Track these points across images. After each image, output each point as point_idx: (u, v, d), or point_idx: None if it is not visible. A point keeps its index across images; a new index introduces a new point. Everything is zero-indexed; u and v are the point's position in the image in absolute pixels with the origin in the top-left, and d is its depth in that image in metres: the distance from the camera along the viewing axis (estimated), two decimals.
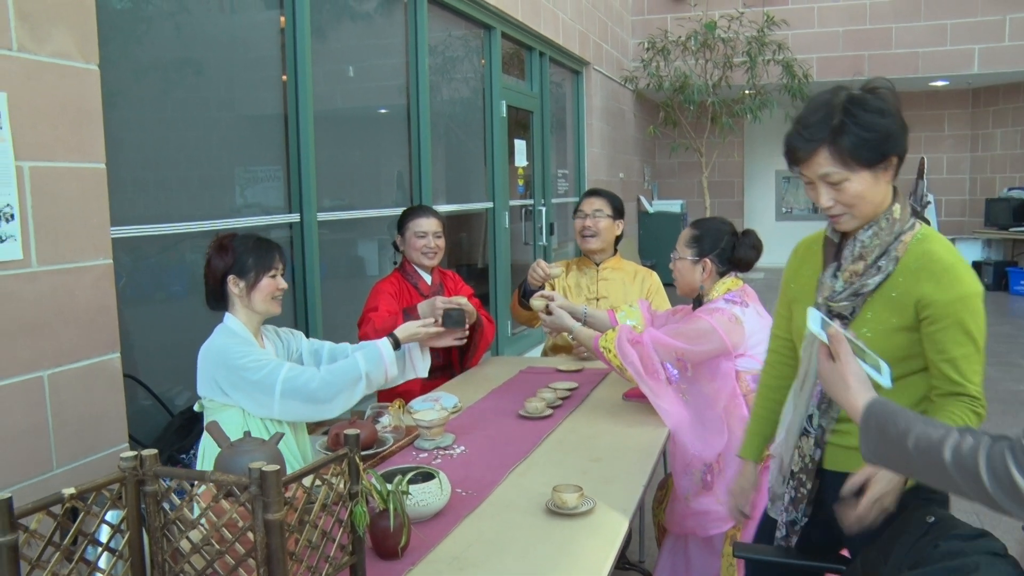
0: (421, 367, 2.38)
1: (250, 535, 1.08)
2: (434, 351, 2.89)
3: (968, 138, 10.77)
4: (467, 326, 2.49)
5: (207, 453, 2.19)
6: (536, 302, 2.62)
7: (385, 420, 2.02)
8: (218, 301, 2.23)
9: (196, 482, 1.16)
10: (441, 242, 2.99)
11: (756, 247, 2.45)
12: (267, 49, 3.62)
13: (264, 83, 3.64)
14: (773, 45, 8.53)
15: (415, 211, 3.02)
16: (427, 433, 1.99)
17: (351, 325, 4.35)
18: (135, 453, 1.16)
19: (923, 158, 10.50)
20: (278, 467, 1.05)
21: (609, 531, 1.54)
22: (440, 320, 2.43)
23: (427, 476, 1.59)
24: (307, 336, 3.61)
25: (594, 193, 3.24)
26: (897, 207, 1.62)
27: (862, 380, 1.13)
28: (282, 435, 1.36)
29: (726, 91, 8.81)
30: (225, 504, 1.12)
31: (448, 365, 3.03)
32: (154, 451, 1.17)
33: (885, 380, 1.16)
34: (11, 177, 2.12)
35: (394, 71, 4.76)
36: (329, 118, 3.82)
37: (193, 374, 2.20)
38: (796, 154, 1.64)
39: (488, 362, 3.11)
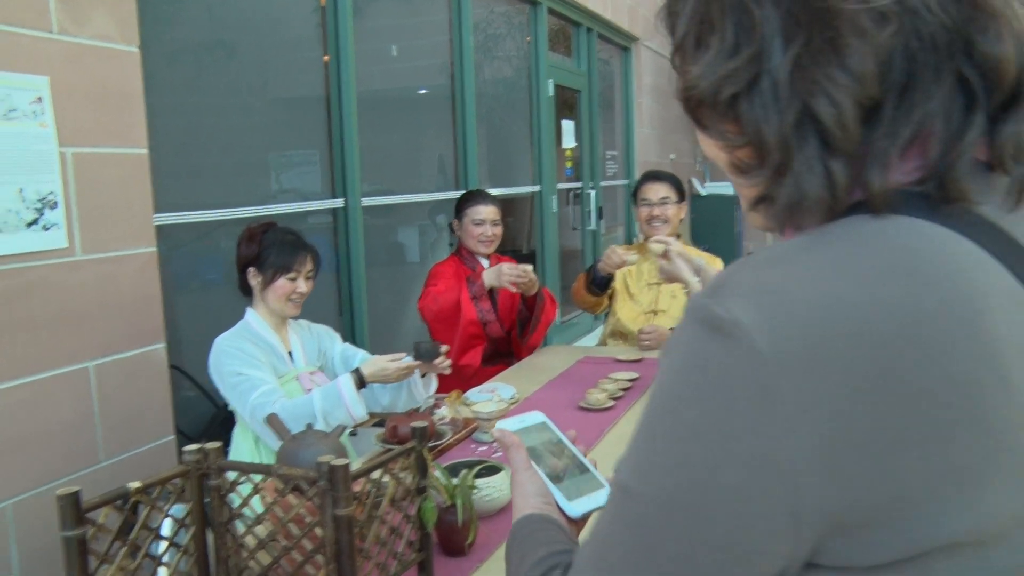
0: (420, 395, 2.19)
1: (318, 530, 1.02)
2: (499, 322, 2.82)
3: None
4: (438, 360, 2.12)
5: (238, 446, 2.14)
6: (655, 246, 2.45)
7: (442, 412, 1.94)
8: (243, 289, 2.20)
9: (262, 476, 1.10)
10: (498, 230, 2.92)
11: None
12: (307, 29, 3.54)
13: (305, 65, 3.56)
14: None
15: (473, 196, 2.95)
16: (485, 426, 1.91)
17: (395, 312, 4.29)
18: (199, 446, 1.11)
19: None
20: (347, 461, 0.99)
21: None
22: (414, 354, 2.15)
23: (491, 470, 1.51)
24: (352, 325, 3.59)
25: (655, 178, 3.11)
26: None
27: (526, 496, 0.82)
28: (345, 427, 1.29)
29: None
30: (292, 499, 1.05)
31: (507, 351, 2.94)
32: (218, 444, 1.11)
33: (572, 510, 0.84)
34: (55, 164, 2.07)
35: (437, 50, 4.65)
36: (370, 100, 3.73)
37: None
38: None
39: (543, 351, 3.01)
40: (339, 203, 3.54)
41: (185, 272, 2.95)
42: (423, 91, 4.66)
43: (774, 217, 0.58)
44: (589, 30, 6.82)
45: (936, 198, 0.54)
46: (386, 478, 1.13)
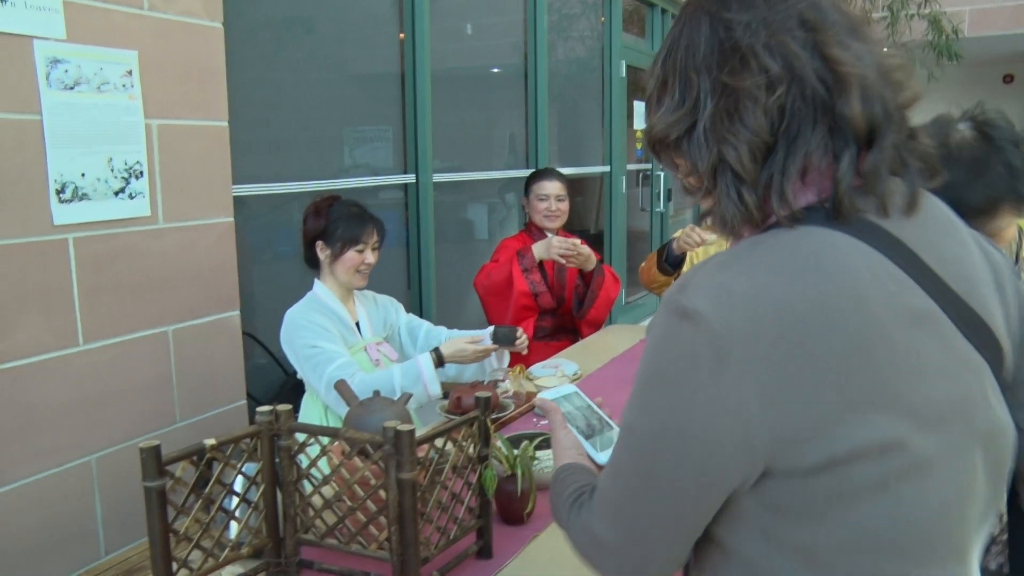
0: (492, 368, 2.22)
1: (382, 493, 1.05)
2: (551, 293, 2.84)
3: None
4: (518, 342, 2.16)
5: (307, 414, 2.20)
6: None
7: (505, 385, 1.96)
8: (312, 263, 2.25)
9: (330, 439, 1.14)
10: (564, 205, 2.93)
11: None
12: (384, 6, 3.58)
13: (381, 41, 3.61)
14: None
15: (539, 174, 2.99)
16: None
17: (462, 287, 4.34)
18: (271, 408, 1.15)
19: None
20: (412, 427, 1.01)
21: None
22: (493, 339, 2.20)
23: (550, 442, 1.53)
24: (420, 299, 3.65)
25: None
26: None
27: (565, 450, 1.06)
28: (410, 395, 1.33)
29: (846, 16, 8.18)
30: (358, 461, 1.09)
31: (564, 327, 2.96)
32: (288, 406, 1.16)
33: (601, 459, 1.08)
34: (141, 135, 2.16)
35: (510, 29, 4.65)
36: (444, 78, 3.76)
37: None
38: None
39: (607, 330, 3.01)
40: (410, 179, 3.59)
41: (258, 243, 3.04)
42: (496, 69, 4.67)
43: (716, 228, 0.80)
44: (664, 11, 6.70)
45: (833, 211, 0.75)
46: (449, 446, 1.16)
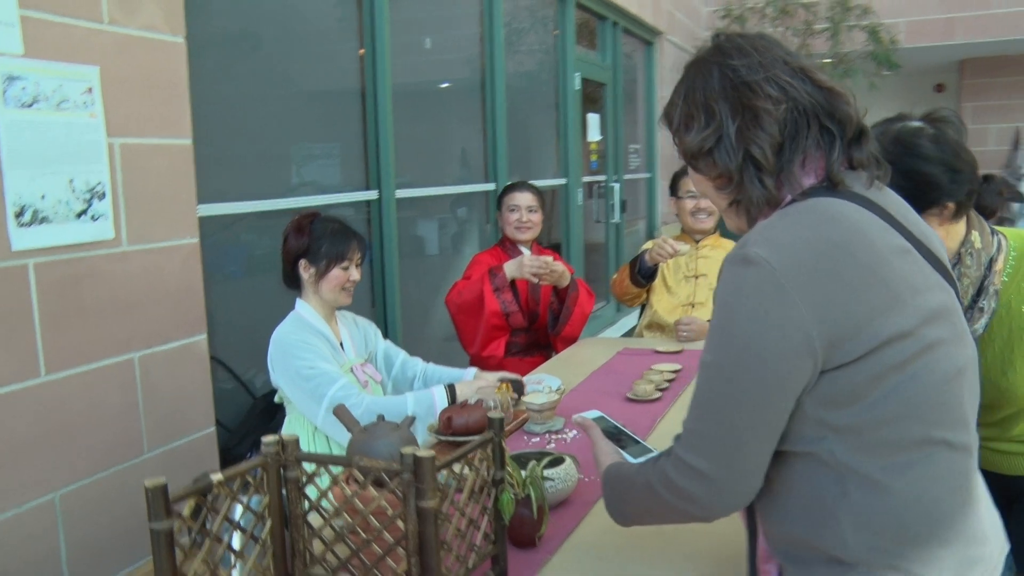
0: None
1: (399, 523, 1.00)
2: (523, 313, 2.81)
3: None
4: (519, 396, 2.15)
5: None
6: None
7: (490, 403, 1.92)
8: (293, 282, 2.18)
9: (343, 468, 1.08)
10: (536, 217, 2.90)
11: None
12: (344, 22, 3.52)
13: (342, 57, 3.55)
14: (858, 9, 8.10)
15: (511, 186, 2.96)
16: (537, 417, 1.90)
17: (425, 303, 4.28)
18: (276, 437, 1.09)
19: (1019, 128, 9.92)
20: (433, 453, 0.96)
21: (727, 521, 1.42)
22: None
23: (554, 461, 1.50)
24: (385, 317, 3.58)
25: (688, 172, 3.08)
26: (975, 235, 1.48)
27: (608, 453, 1.29)
28: (413, 418, 1.28)
29: (805, 60, 8.41)
30: (373, 490, 1.04)
31: (537, 343, 2.93)
32: (295, 436, 1.10)
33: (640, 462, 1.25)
34: (103, 154, 2.07)
35: (466, 43, 4.63)
36: (402, 93, 3.72)
37: (266, 355, 2.12)
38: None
39: (582, 344, 2.99)
40: (373, 195, 3.53)
41: (218, 263, 2.95)
42: (453, 84, 4.64)
43: (743, 212, 1.10)
44: (615, 24, 6.77)
45: (830, 187, 1.05)
46: (465, 470, 1.12)
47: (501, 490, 1.16)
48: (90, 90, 2.04)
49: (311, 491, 1.14)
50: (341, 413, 1.28)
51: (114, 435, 2.13)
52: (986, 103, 10.75)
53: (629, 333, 6.76)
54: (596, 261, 6.80)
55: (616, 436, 1.38)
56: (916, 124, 1.51)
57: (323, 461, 1.09)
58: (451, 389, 2.08)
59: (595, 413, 1.50)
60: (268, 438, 1.09)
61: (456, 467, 1.09)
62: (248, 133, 3.04)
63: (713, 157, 1.08)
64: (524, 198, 2.90)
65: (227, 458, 2.56)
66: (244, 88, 3.04)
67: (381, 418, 1.23)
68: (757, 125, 1.04)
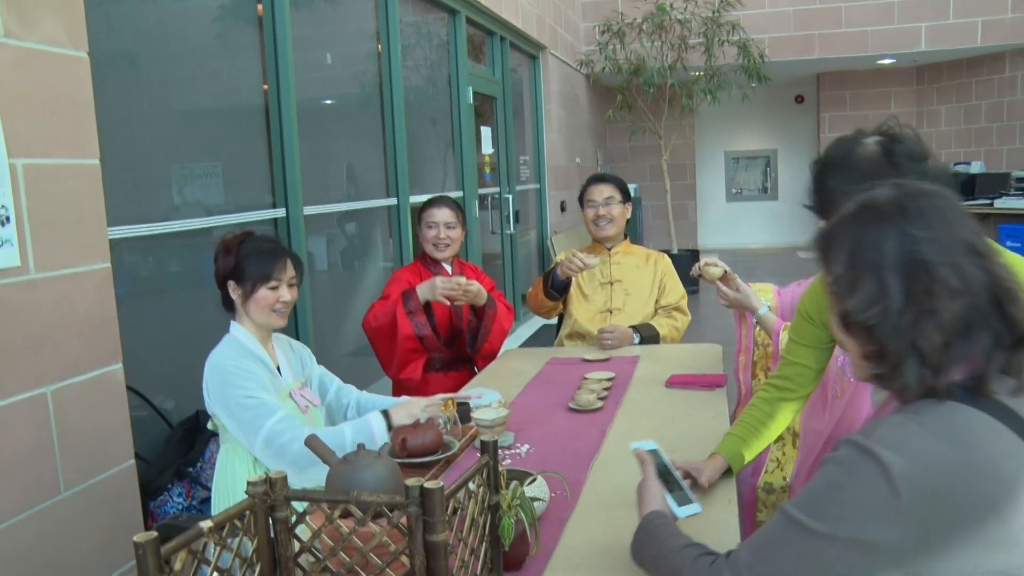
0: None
1: (404, 560, 0.98)
2: (441, 331, 2.78)
3: (914, 115, 11.06)
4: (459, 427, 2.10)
5: (228, 469, 2.02)
6: (714, 270, 2.41)
7: (442, 421, 1.90)
8: (225, 304, 2.09)
9: (340, 505, 1.04)
10: (454, 233, 2.88)
11: None
12: (245, 38, 3.43)
13: (245, 74, 3.45)
14: (728, 26, 8.56)
15: (429, 202, 2.92)
16: (488, 432, 1.89)
17: (336, 321, 4.21)
18: (262, 476, 1.04)
19: None
20: (441, 484, 0.95)
21: (723, 526, 1.47)
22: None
23: (522, 478, 1.49)
24: (297, 335, 3.49)
25: (600, 179, 3.17)
26: None
27: (654, 499, 1.30)
28: (390, 444, 1.25)
29: (681, 73, 8.83)
30: (373, 526, 1.01)
31: (460, 357, 2.93)
32: (284, 473, 1.05)
33: (680, 513, 1.32)
34: (5, 176, 1.94)
35: (364, 59, 4.60)
36: (304, 110, 3.65)
37: (185, 381, 2.02)
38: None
39: (506, 356, 3.01)
40: (280, 212, 3.45)
41: (127, 285, 2.80)
42: (352, 100, 4.58)
43: (885, 389, 1.06)
44: (502, 39, 6.88)
45: (973, 390, 0.99)
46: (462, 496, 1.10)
47: (500, 515, 1.16)
48: None
49: (302, 531, 1.10)
50: (314, 443, 1.24)
51: (28, 476, 1.98)
52: (841, 113, 11.60)
53: (533, 341, 6.84)
54: (492, 272, 6.86)
55: (664, 477, 1.38)
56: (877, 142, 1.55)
57: (316, 499, 1.06)
58: (386, 415, 2.02)
59: (651, 444, 1.48)
60: (254, 477, 1.05)
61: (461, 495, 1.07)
62: (152, 153, 2.91)
63: (871, 331, 1.02)
64: (442, 214, 2.87)
65: (147, 491, 2.43)
66: (148, 107, 2.91)
67: (362, 446, 1.19)
68: (932, 317, 0.98)
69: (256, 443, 1.85)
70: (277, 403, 1.90)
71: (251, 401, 1.85)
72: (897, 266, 1.00)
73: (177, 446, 2.61)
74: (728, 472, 1.69)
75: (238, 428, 1.88)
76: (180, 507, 2.49)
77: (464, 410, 2.07)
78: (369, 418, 2.00)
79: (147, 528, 2.43)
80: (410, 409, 2.03)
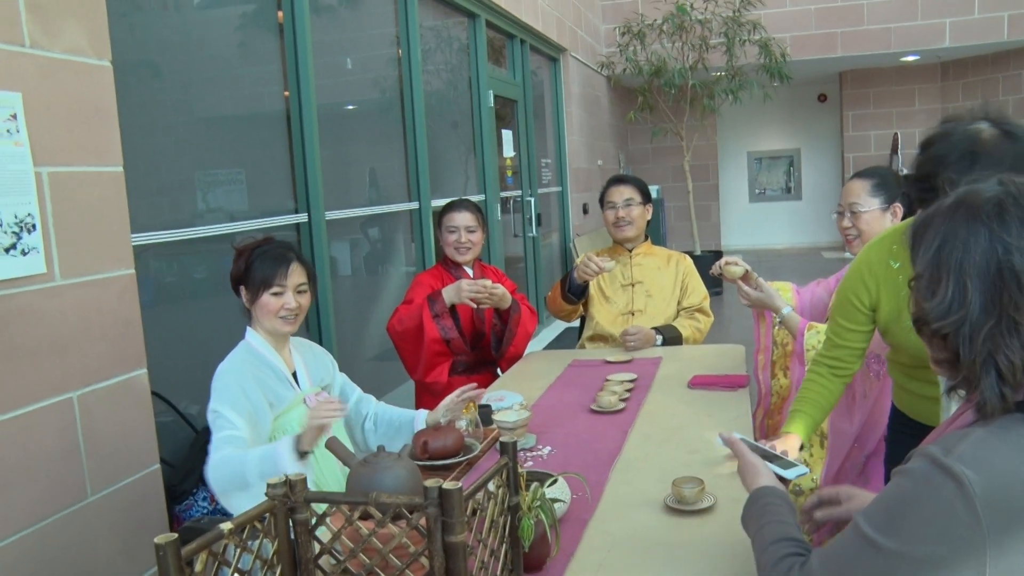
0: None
1: (423, 561, 0.97)
2: (467, 336, 2.78)
3: (939, 112, 10.90)
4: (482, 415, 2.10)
5: None
6: (735, 269, 2.43)
7: (463, 424, 1.90)
8: (243, 310, 2.08)
9: (359, 506, 1.04)
10: (475, 236, 2.88)
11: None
12: (266, 44, 3.46)
13: (264, 79, 3.48)
14: (749, 25, 8.51)
15: (450, 205, 2.93)
16: (510, 435, 1.88)
17: (359, 325, 4.22)
18: (282, 478, 1.04)
19: (896, 133, 10.61)
20: (460, 485, 0.94)
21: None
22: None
23: (543, 480, 1.49)
24: (320, 339, 3.51)
25: (620, 181, 3.15)
26: None
27: (759, 472, 1.29)
28: (407, 445, 1.25)
29: (702, 74, 8.78)
30: (393, 527, 1.00)
31: (483, 360, 2.92)
32: (303, 475, 1.05)
33: (789, 475, 1.37)
34: (31, 184, 1.96)
35: (386, 63, 4.62)
36: (325, 114, 3.67)
37: (209, 387, 2.01)
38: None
39: (529, 358, 3.00)
40: (303, 217, 3.47)
41: (151, 292, 2.83)
42: (373, 105, 4.61)
43: (965, 399, 1.01)
44: (523, 42, 6.88)
45: None
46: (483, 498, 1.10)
47: (520, 516, 1.15)
48: (14, 117, 1.93)
49: (322, 533, 1.10)
50: (335, 446, 1.23)
51: (55, 480, 2.01)
52: (864, 111, 11.46)
53: (556, 344, 6.83)
54: (514, 275, 6.85)
55: (758, 450, 1.39)
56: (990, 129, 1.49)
57: (335, 500, 1.06)
58: (298, 440, 1.82)
59: (737, 435, 1.47)
60: (273, 479, 1.05)
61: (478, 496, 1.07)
62: (174, 159, 2.94)
63: (948, 340, 0.97)
64: (463, 218, 2.87)
65: (172, 495, 2.45)
66: (171, 114, 2.94)
67: (381, 448, 1.19)
68: (1015, 333, 0.93)
69: (211, 457, 1.84)
70: (238, 422, 1.85)
71: (212, 415, 1.85)
72: (982, 272, 0.94)
73: (202, 451, 2.61)
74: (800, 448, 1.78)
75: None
76: (205, 511, 2.50)
77: (485, 412, 2.06)
78: (277, 448, 1.81)
79: (172, 531, 2.44)
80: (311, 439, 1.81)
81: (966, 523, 0.89)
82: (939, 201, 1.04)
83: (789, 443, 1.74)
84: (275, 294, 2.00)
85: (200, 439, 2.67)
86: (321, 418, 1.77)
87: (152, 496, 2.32)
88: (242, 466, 1.78)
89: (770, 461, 1.36)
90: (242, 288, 2.04)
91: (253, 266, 2.02)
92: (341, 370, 2.31)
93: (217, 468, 1.81)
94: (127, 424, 2.24)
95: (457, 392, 2.08)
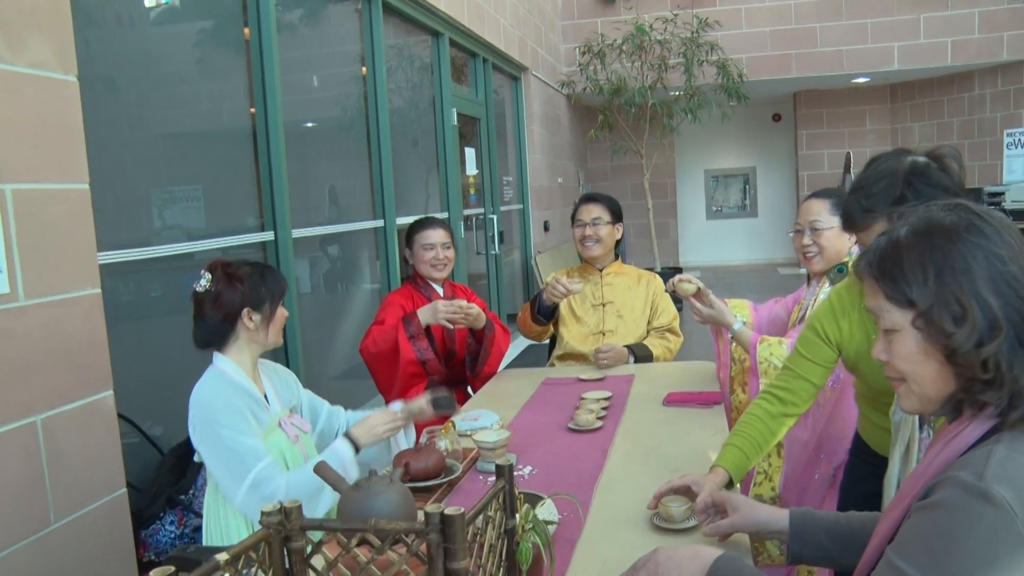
0: (401, 447, 2.11)
1: None
2: (441, 356, 2.76)
3: (888, 132, 11.25)
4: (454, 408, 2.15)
5: (219, 498, 1.94)
6: (687, 287, 2.44)
7: (442, 445, 1.88)
8: (219, 338, 1.94)
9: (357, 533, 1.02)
10: (450, 253, 2.88)
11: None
12: (233, 61, 3.42)
13: (232, 97, 3.44)
14: (707, 46, 8.67)
15: (422, 223, 2.91)
16: (490, 455, 1.87)
17: (324, 344, 4.17)
18: (277, 505, 1.02)
19: (848, 153, 10.89)
20: (462, 509, 0.93)
21: (740, 545, 1.47)
22: (431, 404, 2.10)
23: (534, 501, 1.48)
24: (287, 359, 3.46)
25: (590, 199, 3.17)
26: None
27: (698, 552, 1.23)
28: (399, 470, 1.23)
29: (662, 93, 8.92)
30: (392, 555, 0.98)
31: (455, 378, 2.91)
32: (298, 502, 1.02)
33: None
34: None
35: (350, 81, 4.60)
36: (290, 132, 3.64)
37: (174, 407, 1.95)
38: (853, 222, 1.65)
39: (501, 377, 2.99)
40: (269, 236, 3.42)
41: (115, 312, 2.76)
42: (338, 122, 4.58)
43: (981, 414, 0.98)
44: (485, 60, 6.91)
45: None
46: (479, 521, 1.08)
47: (518, 540, 1.14)
48: None
49: (317, 561, 1.08)
50: (324, 470, 1.21)
51: (17, 508, 1.94)
52: (817, 131, 11.75)
53: (521, 361, 6.81)
54: (478, 292, 6.84)
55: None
56: (924, 159, 1.59)
57: (332, 528, 1.03)
58: (349, 436, 1.95)
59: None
60: (268, 507, 1.02)
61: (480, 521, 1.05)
62: (140, 176, 2.88)
63: (989, 363, 0.95)
64: (438, 235, 2.87)
65: (140, 519, 2.38)
66: (138, 131, 2.88)
67: (373, 472, 1.17)
68: None
69: (241, 488, 1.77)
70: (262, 448, 1.83)
71: (240, 445, 1.78)
72: (992, 287, 0.94)
73: (169, 474, 2.56)
74: (729, 484, 1.67)
75: (224, 470, 1.80)
76: (173, 535, 2.44)
77: (442, 399, 2.05)
78: (338, 449, 1.93)
79: (139, 557, 2.37)
80: (372, 428, 1.98)
81: (1012, 546, 0.87)
82: (889, 233, 1.04)
83: (713, 478, 1.61)
84: (283, 304, 2.01)
85: (167, 461, 2.61)
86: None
87: (119, 521, 2.25)
88: (313, 477, 1.78)
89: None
90: (247, 311, 1.93)
91: (259, 284, 1.92)
92: (308, 388, 2.27)
93: (294, 491, 1.79)
94: (93, 448, 2.17)
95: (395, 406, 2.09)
